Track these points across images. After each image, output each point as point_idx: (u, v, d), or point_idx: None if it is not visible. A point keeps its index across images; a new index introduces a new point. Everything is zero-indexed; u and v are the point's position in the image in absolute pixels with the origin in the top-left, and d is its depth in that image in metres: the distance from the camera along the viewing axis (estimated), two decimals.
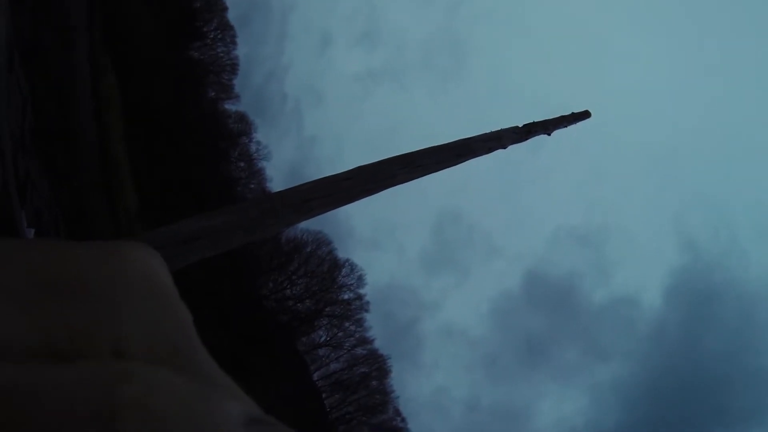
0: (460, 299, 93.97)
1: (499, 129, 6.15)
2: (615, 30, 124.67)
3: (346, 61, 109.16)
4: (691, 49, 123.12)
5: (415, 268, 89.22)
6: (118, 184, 26.99)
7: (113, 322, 0.28)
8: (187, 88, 38.39)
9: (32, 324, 0.26)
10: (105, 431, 0.23)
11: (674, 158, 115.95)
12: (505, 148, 6.17)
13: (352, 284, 45.34)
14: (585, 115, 7.08)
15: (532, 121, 6.50)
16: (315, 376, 45.50)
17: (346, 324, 45.76)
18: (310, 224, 40.59)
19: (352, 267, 45.33)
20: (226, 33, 48.12)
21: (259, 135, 59.14)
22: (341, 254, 46.13)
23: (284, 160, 76.63)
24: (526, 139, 6.42)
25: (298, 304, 45.76)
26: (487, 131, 6.12)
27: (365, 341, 45.82)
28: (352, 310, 45.67)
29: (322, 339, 46.27)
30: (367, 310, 45.94)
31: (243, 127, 48.26)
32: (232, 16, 49.49)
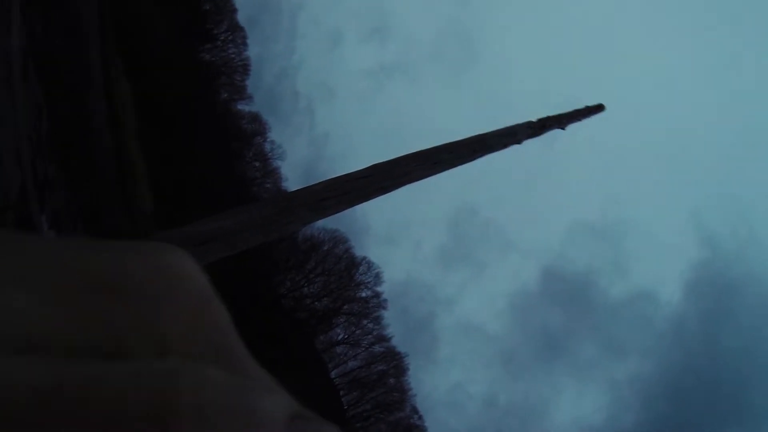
0: (476, 295, 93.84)
1: (514, 124, 6.10)
2: (634, 21, 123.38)
3: (357, 57, 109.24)
4: (712, 42, 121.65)
5: (432, 264, 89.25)
6: (134, 186, 27.19)
7: (157, 321, 0.28)
8: (199, 90, 38.55)
9: (79, 321, 0.27)
10: (158, 428, 0.24)
11: (693, 152, 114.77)
12: (520, 144, 6.13)
13: (369, 282, 45.43)
14: (599, 108, 7.01)
15: (546, 116, 6.44)
16: (333, 373, 45.60)
17: (364, 322, 45.84)
18: (326, 222, 40.67)
19: (369, 265, 45.39)
20: (237, 34, 48.22)
21: (273, 134, 59.36)
22: (358, 252, 46.27)
23: (299, 158, 76.85)
24: (541, 133, 6.37)
25: (316, 303, 45.85)
26: (501, 126, 6.07)
27: (383, 339, 45.88)
28: (370, 307, 45.75)
29: (340, 337, 46.41)
30: (384, 308, 46.03)
31: (257, 127, 48.46)
32: (241, 16, 49.70)
